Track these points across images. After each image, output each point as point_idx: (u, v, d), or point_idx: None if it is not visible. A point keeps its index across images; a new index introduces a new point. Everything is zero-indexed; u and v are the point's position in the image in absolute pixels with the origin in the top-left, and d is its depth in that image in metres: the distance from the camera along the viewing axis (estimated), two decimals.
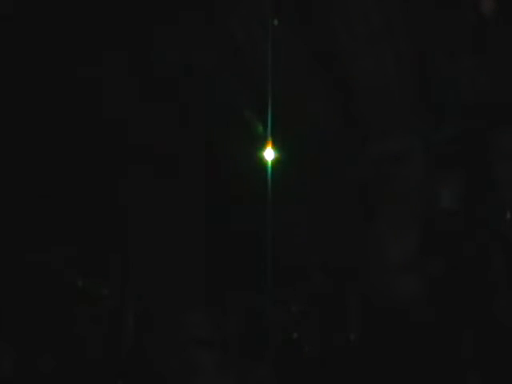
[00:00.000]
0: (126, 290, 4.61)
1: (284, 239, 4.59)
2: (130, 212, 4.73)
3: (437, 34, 4.16)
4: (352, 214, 4.58)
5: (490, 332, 3.96)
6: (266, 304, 4.46)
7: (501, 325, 3.96)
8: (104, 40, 4.25)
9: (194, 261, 4.63)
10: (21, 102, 4.44)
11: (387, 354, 4.09)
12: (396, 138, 4.51)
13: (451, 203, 4.25)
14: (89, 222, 4.68)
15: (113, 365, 4.41)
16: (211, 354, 4.39)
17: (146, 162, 4.78)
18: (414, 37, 4.15)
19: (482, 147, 4.26)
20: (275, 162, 4.21)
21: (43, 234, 4.59)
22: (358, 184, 4.59)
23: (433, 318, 4.08)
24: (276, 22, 4.05)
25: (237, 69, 4.49)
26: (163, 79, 4.53)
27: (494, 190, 4.18)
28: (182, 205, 4.75)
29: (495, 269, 4.06)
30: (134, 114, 4.72)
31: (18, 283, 4.45)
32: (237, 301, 4.52)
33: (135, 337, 4.49)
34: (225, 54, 4.44)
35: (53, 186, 4.63)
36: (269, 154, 4.21)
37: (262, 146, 4.28)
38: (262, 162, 4.24)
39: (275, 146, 4.25)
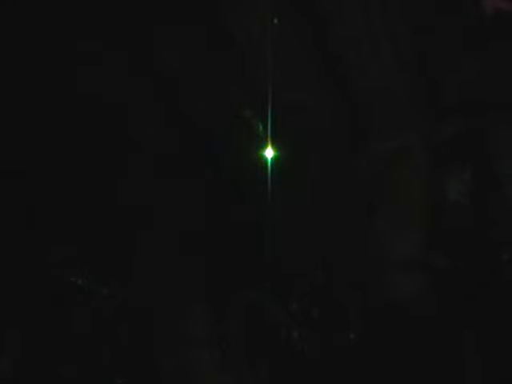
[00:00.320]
0: (125, 289, 4.61)
1: (284, 238, 4.59)
2: (130, 212, 4.73)
3: (437, 32, 4.16)
4: (352, 213, 4.58)
5: (494, 332, 3.95)
6: (266, 303, 4.46)
7: (506, 324, 3.95)
8: (104, 40, 4.26)
9: (194, 260, 4.63)
10: (20, 101, 4.44)
11: (388, 353, 4.08)
12: (396, 136, 4.51)
13: (458, 198, 4.24)
14: (89, 221, 4.68)
15: (113, 364, 4.41)
16: (210, 354, 4.39)
17: (146, 161, 4.78)
18: (415, 35, 4.15)
19: (482, 146, 4.26)
20: (275, 161, 4.21)
21: (43, 233, 4.60)
22: (359, 182, 4.59)
23: (434, 317, 4.07)
24: (276, 22, 4.05)
25: (237, 69, 4.49)
26: (163, 79, 4.54)
27: (496, 189, 4.18)
28: (181, 204, 4.75)
29: (505, 266, 4.04)
30: (134, 114, 4.73)
31: (17, 283, 4.45)
32: (236, 300, 4.51)
33: (135, 336, 4.48)
34: (225, 55, 4.44)
35: (53, 186, 4.64)
36: (269, 152, 4.21)
37: (262, 145, 4.28)
38: (261, 161, 4.24)
39: (275, 144, 4.25)
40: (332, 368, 4.21)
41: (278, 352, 4.36)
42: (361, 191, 4.58)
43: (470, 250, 4.15)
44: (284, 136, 4.25)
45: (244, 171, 4.62)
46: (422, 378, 3.96)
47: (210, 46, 4.39)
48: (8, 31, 4.17)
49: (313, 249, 4.60)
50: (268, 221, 4.37)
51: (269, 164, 4.24)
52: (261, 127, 4.43)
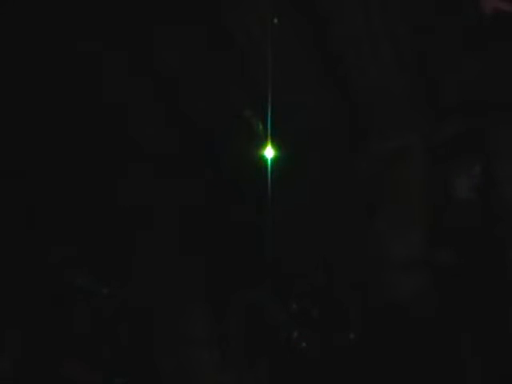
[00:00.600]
0: (125, 289, 4.61)
1: (284, 238, 4.59)
2: (130, 212, 4.74)
3: (437, 32, 4.16)
4: (352, 213, 4.58)
5: (495, 331, 3.94)
6: (266, 303, 4.46)
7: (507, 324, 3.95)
8: (104, 40, 4.26)
9: (194, 260, 4.63)
10: (20, 103, 4.44)
11: (387, 353, 4.08)
12: (396, 136, 4.51)
13: (461, 196, 4.23)
14: (89, 222, 4.68)
15: (113, 364, 4.41)
16: (210, 354, 4.39)
17: (146, 161, 4.78)
18: (415, 35, 4.15)
19: (482, 145, 4.26)
20: (275, 161, 4.21)
21: (43, 233, 4.60)
22: (359, 182, 4.59)
23: (434, 317, 4.07)
24: (276, 22, 4.05)
25: (237, 69, 4.49)
26: (163, 79, 4.54)
27: (496, 188, 4.18)
28: (181, 204, 4.75)
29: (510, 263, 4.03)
30: (134, 114, 4.73)
31: (18, 283, 4.45)
32: (236, 300, 4.51)
33: (135, 336, 4.48)
34: (225, 55, 4.44)
35: (53, 187, 4.64)
36: (269, 152, 4.21)
37: (262, 145, 4.28)
38: (261, 161, 4.24)
39: (275, 144, 4.25)
40: (332, 368, 4.21)
41: (278, 352, 4.36)
42: (361, 191, 4.58)
43: (475, 247, 4.14)
44: (284, 136, 4.25)
45: (244, 171, 4.62)
46: (422, 378, 3.96)
47: (209, 45, 4.38)
48: (7, 31, 4.17)
49: (313, 249, 4.60)
50: (268, 221, 4.37)
51: (269, 164, 4.24)
52: (261, 127, 4.42)
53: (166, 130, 4.73)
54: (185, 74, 4.50)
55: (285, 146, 4.32)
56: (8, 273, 4.44)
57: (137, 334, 4.49)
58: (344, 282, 4.48)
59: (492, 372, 3.90)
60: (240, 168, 4.63)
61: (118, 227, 4.69)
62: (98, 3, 4.13)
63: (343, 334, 4.32)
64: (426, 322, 4.10)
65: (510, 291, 4.00)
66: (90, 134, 4.61)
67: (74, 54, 4.32)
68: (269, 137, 4.21)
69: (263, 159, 4.24)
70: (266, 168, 4.21)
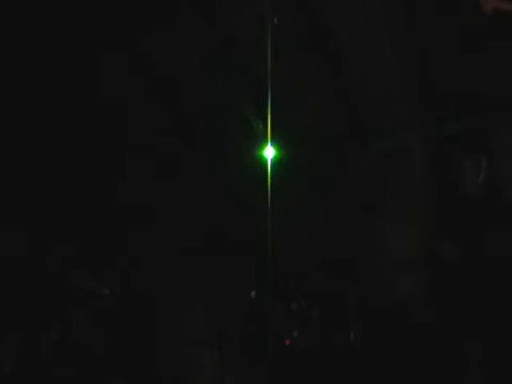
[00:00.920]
0: (125, 289, 4.61)
1: (284, 238, 4.59)
2: (130, 212, 4.73)
3: (437, 33, 4.16)
4: (353, 212, 4.58)
5: (497, 331, 3.93)
6: (266, 303, 4.45)
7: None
8: (104, 39, 4.26)
9: (194, 260, 4.63)
10: (20, 102, 4.44)
11: (387, 353, 4.08)
12: (396, 136, 4.51)
13: (463, 194, 4.23)
14: (89, 222, 4.68)
15: (113, 363, 4.41)
16: (211, 354, 4.38)
17: (146, 161, 4.78)
18: (415, 36, 4.15)
19: (481, 145, 4.26)
20: (275, 161, 4.20)
21: (43, 234, 4.59)
22: (359, 182, 4.59)
23: (434, 317, 4.06)
24: (276, 22, 4.05)
25: (237, 68, 4.49)
26: (163, 79, 4.54)
27: (496, 187, 4.18)
28: (182, 204, 4.75)
29: None
30: (134, 115, 4.73)
31: (18, 283, 4.45)
32: (237, 300, 4.51)
33: (135, 336, 4.48)
34: (224, 53, 4.44)
35: (53, 187, 4.64)
36: (269, 152, 4.21)
37: (262, 145, 4.27)
38: (262, 161, 4.24)
39: (275, 144, 4.24)
40: (332, 368, 4.21)
41: (278, 352, 4.36)
42: (361, 191, 4.58)
43: (476, 246, 4.14)
44: (284, 136, 4.24)
45: (244, 171, 4.62)
46: (423, 378, 3.95)
47: (209, 45, 4.39)
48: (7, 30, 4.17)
49: (313, 249, 4.60)
50: (268, 221, 4.36)
51: (269, 164, 4.23)
52: (261, 127, 4.42)
53: (165, 130, 4.73)
54: (185, 74, 4.51)
55: (285, 146, 4.32)
56: (8, 273, 4.43)
57: (137, 333, 4.49)
58: (344, 282, 4.48)
59: (495, 372, 3.90)
60: (240, 168, 4.63)
61: (118, 227, 4.69)
62: (99, 3, 4.13)
63: (343, 334, 4.31)
64: (426, 321, 4.10)
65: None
66: (90, 134, 4.61)
67: (73, 53, 4.32)
68: (269, 137, 4.21)
69: (263, 159, 4.24)
70: (266, 168, 4.21)
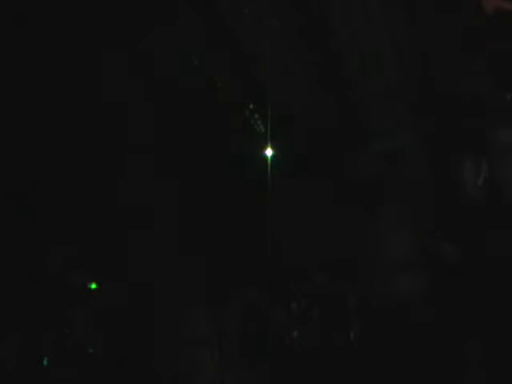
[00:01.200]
0: (125, 289, 4.61)
1: (284, 238, 4.59)
2: (130, 212, 4.73)
3: (437, 33, 4.16)
4: (352, 213, 4.58)
5: (498, 331, 3.93)
6: (266, 303, 4.46)
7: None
8: (104, 39, 4.26)
9: (194, 260, 4.63)
10: (19, 101, 4.44)
11: (387, 353, 4.08)
12: (397, 136, 4.51)
13: (464, 194, 4.22)
14: (89, 221, 4.68)
15: (112, 364, 4.41)
16: (211, 354, 4.38)
17: (146, 161, 4.78)
18: (415, 36, 4.15)
19: (482, 145, 4.25)
20: (275, 161, 4.21)
21: (43, 234, 4.60)
22: (359, 182, 4.59)
23: (434, 317, 4.06)
24: (276, 22, 4.05)
25: (237, 68, 4.49)
26: (163, 79, 4.54)
27: (496, 187, 4.17)
28: (181, 204, 4.75)
29: None
30: (134, 115, 4.73)
31: (18, 283, 4.45)
32: (236, 300, 4.51)
33: (135, 336, 4.48)
34: (225, 55, 4.44)
35: (53, 186, 4.64)
36: (269, 152, 4.21)
37: (262, 145, 4.28)
38: (261, 161, 4.24)
39: (275, 144, 4.25)
40: (332, 368, 4.21)
41: (278, 352, 4.36)
42: (361, 191, 4.58)
43: (476, 246, 4.14)
44: (283, 136, 4.25)
45: (244, 171, 4.62)
46: (422, 378, 3.95)
47: (209, 45, 4.39)
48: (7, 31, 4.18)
49: (313, 248, 4.60)
50: (268, 220, 4.36)
51: (269, 164, 4.24)
52: (261, 127, 4.43)
53: (165, 130, 4.73)
54: (184, 74, 4.51)
55: (284, 146, 4.33)
56: (8, 273, 4.44)
57: (137, 333, 4.49)
58: (344, 282, 4.48)
59: (495, 372, 3.89)
60: (240, 167, 4.63)
61: (118, 227, 4.69)
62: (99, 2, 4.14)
63: (343, 334, 4.32)
64: (426, 321, 4.10)
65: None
66: (90, 133, 4.61)
67: (73, 53, 4.33)
68: (269, 136, 4.22)
69: (263, 159, 4.24)
70: (266, 168, 4.21)
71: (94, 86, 4.51)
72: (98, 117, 4.61)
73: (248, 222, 4.64)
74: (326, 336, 4.37)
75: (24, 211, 4.59)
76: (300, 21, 4.17)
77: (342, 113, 4.60)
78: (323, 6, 4.06)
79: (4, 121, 4.44)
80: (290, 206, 4.63)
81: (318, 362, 4.28)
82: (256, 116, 4.45)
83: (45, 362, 4.31)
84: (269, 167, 4.25)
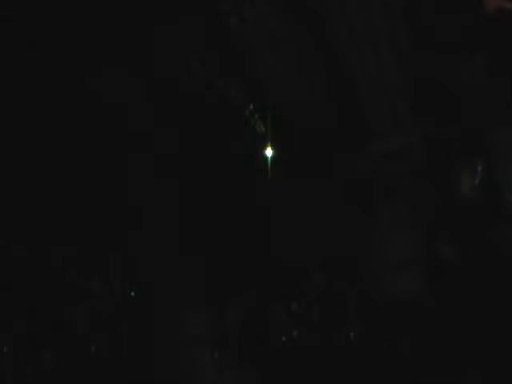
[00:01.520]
0: (125, 289, 4.61)
1: (285, 238, 4.59)
2: (130, 212, 4.74)
3: (437, 32, 4.15)
4: (352, 213, 4.58)
5: (496, 331, 3.93)
6: (266, 303, 4.46)
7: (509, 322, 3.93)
8: (105, 39, 4.25)
9: (194, 260, 4.63)
10: (21, 102, 4.44)
11: (387, 353, 4.08)
12: (396, 136, 4.51)
13: (464, 194, 4.22)
14: (89, 222, 4.68)
15: (113, 363, 4.41)
16: (211, 354, 4.39)
17: (146, 161, 4.79)
18: (415, 37, 4.14)
19: (481, 145, 4.25)
20: (275, 161, 4.21)
21: (43, 234, 4.60)
22: (359, 182, 4.59)
23: (433, 316, 4.06)
24: (276, 22, 4.05)
25: (237, 69, 4.49)
26: (163, 79, 4.54)
27: (495, 186, 4.17)
28: (182, 205, 4.75)
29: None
30: (134, 115, 4.73)
31: (18, 283, 4.45)
32: (236, 300, 4.52)
33: (135, 336, 4.49)
34: (225, 55, 4.44)
35: (53, 187, 4.64)
36: (269, 152, 4.21)
37: (263, 145, 4.28)
38: (262, 161, 4.24)
39: (276, 145, 4.25)
40: (332, 368, 4.21)
41: (278, 352, 4.36)
42: (361, 191, 4.58)
43: (476, 246, 4.13)
44: (284, 137, 4.25)
45: (245, 171, 4.62)
46: (422, 378, 3.95)
47: (209, 45, 4.38)
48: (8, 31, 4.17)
49: (313, 249, 4.60)
50: (269, 221, 4.37)
51: (269, 164, 4.24)
52: (262, 127, 4.42)
53: (166, 130, 4.73)
54: (184, 74, 4.50)
55: (285, 147, 4.33)
56: (8, 273, 4.44)
57: (137, 334, 4.49)
58: (344, 282, 4.48)
59: (493, 372, 3.89)
60: (241, 168, 4.63)
61: (118, 227, 4.69)
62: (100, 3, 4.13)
63: (343, 334, 4.32)
64: (425, 320, 4.10)
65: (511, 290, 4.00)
66: (90, 134, 4.61)
67: (74, 53, 4.32)
68: (269, 136, 4.22)
69: (264, 159, 4.24)
70: (267, 168, 4.21)
71: (94, 86, 4.50)
72: (98, 117, 4.60)
73: (248, 222, 4.64)
74: (325, 336, 4.37)
75: (24, 211, 4.59)
76: (302, 21, 4.16)
77: (342, 113, 4.60)
78: (323, 8, 4.06)
79: (6, 121, 4.44)
80: (290, 206, 4.63)
81: (318, 362, 4.28)
82: (256, 116, 4.45)
83: (44, 362, 4.31)
84: (269, 167, 4.25)
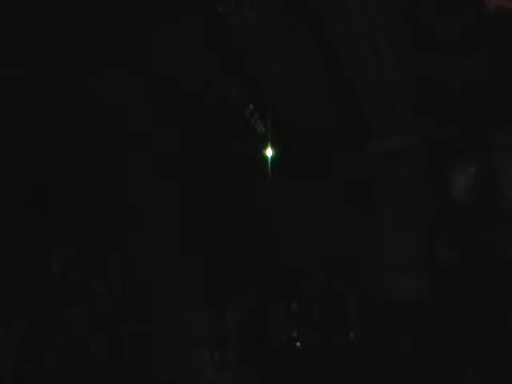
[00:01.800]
0: (125, 289, 4.61)
1: (285, 238, 4.59)
2: (130, 212, 4.74)
3: (437, 33, 4.15)
4: (352, 213, 4.58)
5: (495, 331, 3.93)
6: (266, 303, 4.46)
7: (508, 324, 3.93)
8: (105, 39, 4.26)
9: (194, 260, 4.63)
10: (21, 102, 4.45)
11: (387, 353, 4.09)
12: (396, 136, 4.51)
13: (464, 194, 4.22)
14: (89, 222, 4.68)
15: (113, 363, 4.41)
16: (211, 354, 4.39)
17: (146, 161, 4.79)
18: (415, 37, 4.15)
19: (482, 146, 4.25)
20: (275, 161, 4.21)
21: (44, 234, 4.60)
22: (359, 182, 4.59)
23: (433, 317, 4.07)
24: (276, 22, 4.05)
25: (237, 69, 4.49)
26: (163, 79, 4.54)
27: (495, 187, 4.17)
28: (182, 205, 4.75)
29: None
30: (134, 115, 4.73)
31: (18, 283, 4.46)
32: (236, 300, 4.52)
33: (135, 336, 4.49)
34: (225, 55, 4.44)
35: (53, 186, 4.64)
36: (269, 152, 4.22)
37: (263, 145, 4.28)
38: (262, 161, 4.24)
39: (276, 145, 4.25)
40: (332, 368, 4.21)
41: (278, 352, 4.36)
42: (361, 191, 4.58)
43: (475, 247, 4.14)
44: (285, 137, 4.25)
45: (245, 171, 4.62)
46: (422, 378, 3.96)
47: (209, 45, 4.39)
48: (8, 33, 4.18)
49: (313, 249, 4.60)
50: (269, 221, 4.37)
51: (269, 164, 4.24)
52: (262, 127, 4.43)
53: (165, 130, 4.73)
54: (184, 74, 4.51)
55: (285, 147, 4.33)
56: (8, 273, 4.44)
57: (137, 334, 4.49)
58: (344, 282, 4.48)
59: (492, 372, 3.90)
60: (241, 168, 4.63)
61: (118, 227, 4.70)
62: (99, 4, 4.13)
63: (343, 334, 4.32)
64: (425, 321, 4.10)
65: (510, 291, 4.00)
66: (90, 134, 4.61)
67: (75, 54, 4.33)
68: (269, 136, 4.22)
69: (264, 159, 4.24)
70: (267, 168, 4.21)
71: (94, 86, 4.51)
72: (98, 117, 4.61)
73: (248, 222, 4.64)
74: (325, 336, 4.37)
75: (24, 211, 4.59)
76: (301, 21, 4.16)
77: (342, 113, 4.60)
78: (323, 7, 4.06)
79: (6, 121, 4.44)
80: (289, 206, 4.63)
81: (318, 362, 4.28)
82: (256, 116, 4.45)
83: (44, 362, 4.31)
84: (269, 167, 4.25)
